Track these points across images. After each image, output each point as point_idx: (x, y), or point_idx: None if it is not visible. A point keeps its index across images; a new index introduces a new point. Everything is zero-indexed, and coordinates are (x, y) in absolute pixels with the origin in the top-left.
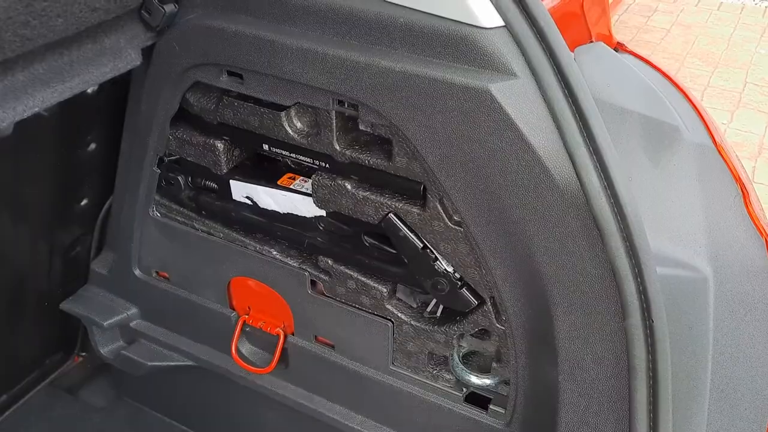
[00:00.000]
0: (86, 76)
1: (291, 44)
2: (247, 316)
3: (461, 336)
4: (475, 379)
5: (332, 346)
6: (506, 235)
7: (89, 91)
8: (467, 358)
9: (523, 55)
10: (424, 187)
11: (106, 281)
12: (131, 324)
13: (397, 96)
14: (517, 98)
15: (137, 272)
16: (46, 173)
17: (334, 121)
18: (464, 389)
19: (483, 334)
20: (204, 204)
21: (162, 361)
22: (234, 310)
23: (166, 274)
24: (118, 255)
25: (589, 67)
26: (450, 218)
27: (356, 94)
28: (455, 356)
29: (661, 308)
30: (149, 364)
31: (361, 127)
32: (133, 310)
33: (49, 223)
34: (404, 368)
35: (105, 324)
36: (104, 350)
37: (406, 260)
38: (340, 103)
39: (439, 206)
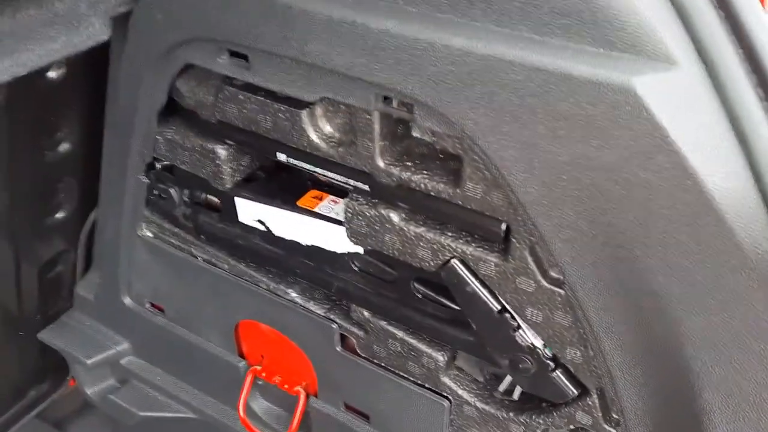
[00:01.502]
0: (24, 55)
1: (316, 11)
2: (259, 368)
3: (547, 430)
4: None
5: (366, 418)
6: (636, 309)
7: (52, 75)
8: None
9: (689, 30)
10: (508, 228)
11: (93, 308)
12: (122, 361)
13: (475, 93)
14: (678, 100)
15: (127, 301)
16: (5, 180)
17: (376, 126)
18: None
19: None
20: (204, 226)
21: (157, 411)
22: (243, 358)
23: (162, 307)
24: (104, 279)
25: None
26: (545, 274)
27: (411, 88)
28: None
29: None
30: (141, 414)
31: (416, 135)
32: (124, 345)
33: (18, 239)
34: None
35: (89, 362)
36: (90, 391)
37: (473, 325)
38: (386, 100)
39: (528, 256)
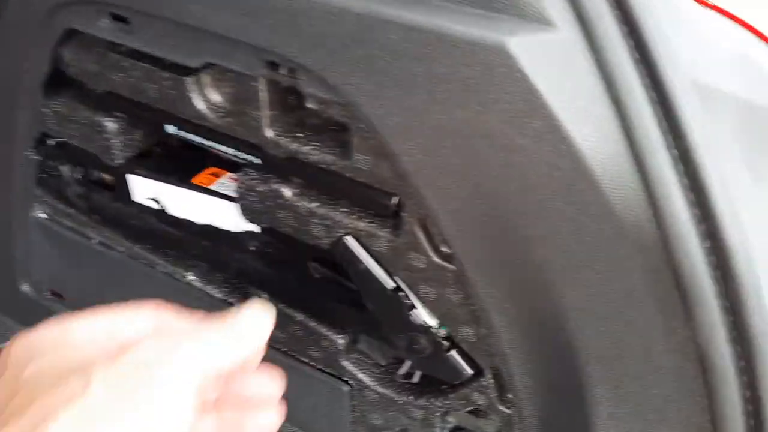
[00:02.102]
0: None
1: None
2: None
3: (446, 413)
4: None
5: None
6: (522, 283)
7: None
8: None
9: None
10: (399, 201)
11: None
12: None
13: (355, 56)
14: (554, 62)
15: (25, 288)
16: None
17: (263, 94)
18: None
19: (480, 412)
20: (97, 205)
21: None
22: None
23: (62, 293)
24: None
25: (664, 25)
26: (436, 250)
27: (292, 52)
28: None
29: None
30: None
31: (310, 106)
32: None
33: None
34: None
35: None
36: None
37: (369, 305)
38: (272, 65)
39: (419, 230)
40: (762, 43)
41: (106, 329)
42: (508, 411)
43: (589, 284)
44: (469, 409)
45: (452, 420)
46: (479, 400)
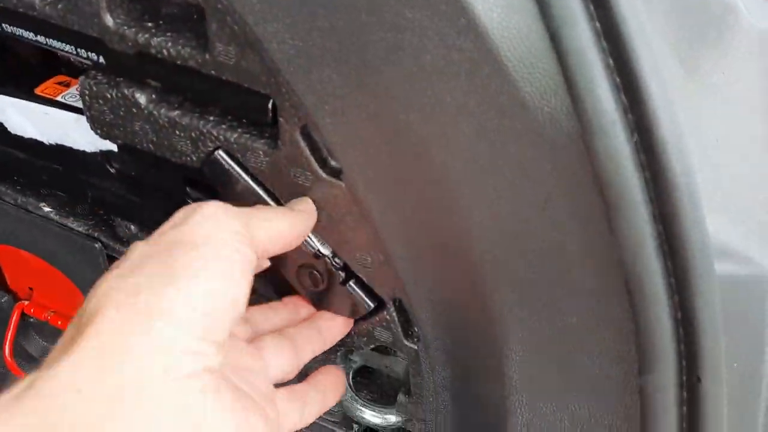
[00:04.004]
0: None
1: None
2: (26, 302)
3: (349, 352)
4: (371, 417)
5: None
6: (419, 200)
7: None
8: (361, 379)
9: None
10: (274, 104)
11: None
12: None
13: None
14: None
15: None
16: None
17: None
18: (355, 427)
19: (385, 349)
20: None
21: None
22: (8, 292)
23: None
24: None
25: None
26: (322, 163)
27: None
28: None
29: (719, 357)
30: None
31: None
32: None
33: None
34: None
35: None
36: None
37: None
38: None
39: (301, 140)
40: None
41: None
42: (414, 346)
43: (496, 192)
44: (373, 346)
45: (357, 359)
46: (382, 336)
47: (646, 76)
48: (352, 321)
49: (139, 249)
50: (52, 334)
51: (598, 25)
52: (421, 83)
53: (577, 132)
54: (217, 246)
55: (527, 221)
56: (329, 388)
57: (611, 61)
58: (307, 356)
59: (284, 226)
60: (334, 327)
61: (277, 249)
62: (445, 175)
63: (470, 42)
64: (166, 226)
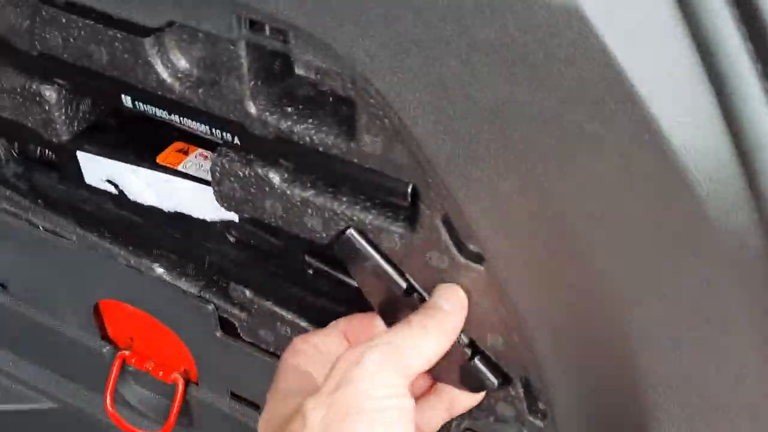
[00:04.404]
0: None
1: None
2: (128, 352)
3: (462, 421)
4: None
5: (256, 407)
6: (571, 292)
7: None
8: None
9: None
10: (415, 191)
11: None
12: None
13: (368, 15)
14: (636, 27)
15: None
16: None
17: (244, 61)
18: None
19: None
20: (41, 187)
21: (10, 403)
22: (109, 342)
23: (4, 283)
24: None
25: None
26: (461, 248)
27: (282, 9)
28: None
29: None
30: None
31: (300, 72)
32: None
33: None
34: None
35: None
36: None
37: (374, 307)
38: (255, 25)
39: (441, 226)
40: None
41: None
42: (540, 423)
43: (668, 300)
44: (493, 420)
45: (467, 422)
46: (506, 410)
47: None
48: (480, 395)
49: (315, 414)
50: (152, 383)
51: None
52: (594, 193)
53: (763, 249)
54: (385, 414)
55: (698, 328)
56: None
57: None
58: (431, 430)
59: (439, 344)
60: (464, 400)
61: (431, 365)
62: (611, 276)
63: (652, 157)
64: (331, 384)
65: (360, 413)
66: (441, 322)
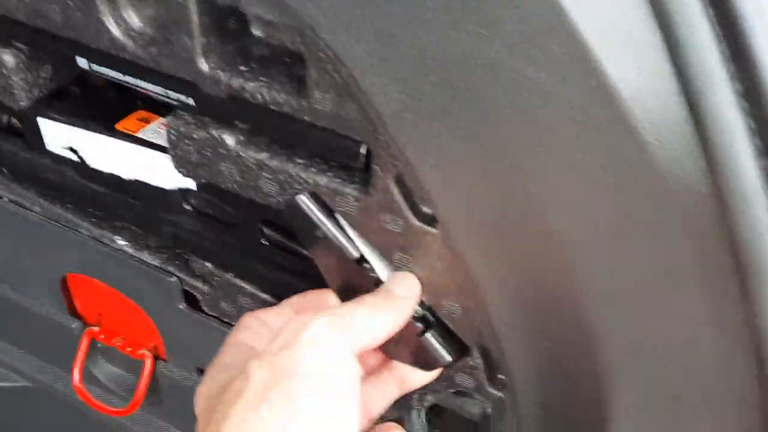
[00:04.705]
0: None
1: None
2: (96, 329)
3: (424, 394)
4: None
5: None
6: (525, 254)
7: None
8: (433, 418)
9: None
10: (369, 151)
11: None
12: None
13: None
14: None
15: None
16: None
17: (194, 16)
18: None
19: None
20: (4, 155)
21: None
22: (78, 317)
23: None
24: None
25: None
26: (415, 210)
27: None
28: (414, 417)
29: None
30: None
31: (257, 33)
32: None
33: None
34: None
35: None
36: None
37: (328, 281)
38: None
39: (394, 187)
40: None
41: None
42: (498, 393)
43: (617, 254)
44: (452, 391)
45: (430, 398)
46: (465, 381)
47: None
48: (434, 373)
49: (258, 374)
50: (120, 359)
51: (739, 85)
52: (539, 143)
53: (711, 197)
54: (329, 377)
55: (649, 282)
56: None
57: (753, 123)
58: (382, 406)
59: (388, 324)
60: (416, 375)
61: (379, 344)
62: (561, 234)
63: (598, 104)
64: (275, 345)
65: (303, 374)
66: (392, 305)
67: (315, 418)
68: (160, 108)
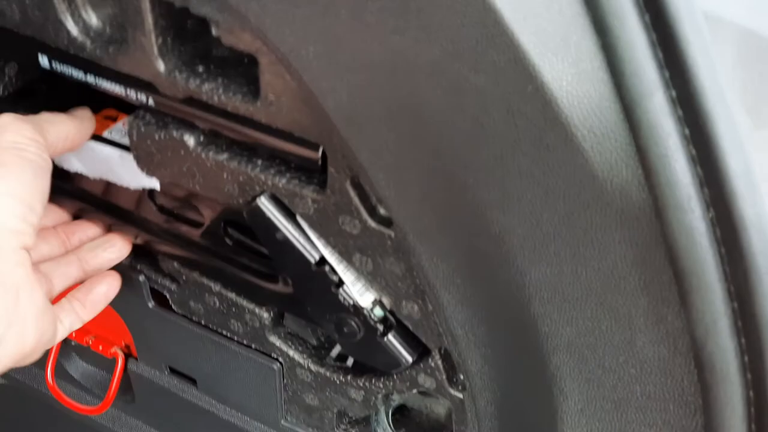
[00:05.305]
0: None
1: None
2: None
3: (389, 395)
4: None
5: (194, 382)
6: (475, 256)
7: None
8: (400, 417)
9: None
10: (324, 154)
11: None
12: None
13: None
14: None
15: None
16: None
17: (149, 16)
18: None
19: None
20: None
21: None
22: None
23: None
24: None
25: None
26: (372, 212)
27: None
28: (382, 418)
29: None
30: None
31: (214, 33)
32: None
33: None
34: (302, 427)
35: None
36: None
37: (288, 280)
38: None
39: (351, 189)
40: None
41: None
42: (459, 394)
43: (558, 260)
44: (416, 391)
45: (396, 399)
46: (426, 382)
47: (725, 147)
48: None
49: None
50: (96, 358)
51: (673, 93)
52: (480, 146)
53: (648, 205)
54: (21, 149)
55: (589, 287)
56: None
57: (687, 131)
58: (63, 284)
59: (71, 129)
60: (98, 259)
61: (65, 149)
62: (504, 236)
63: (537, 110)
64: None
65: (2, 150)
66: (76, 119)
67: (11, 180)
68: (129, 105)
